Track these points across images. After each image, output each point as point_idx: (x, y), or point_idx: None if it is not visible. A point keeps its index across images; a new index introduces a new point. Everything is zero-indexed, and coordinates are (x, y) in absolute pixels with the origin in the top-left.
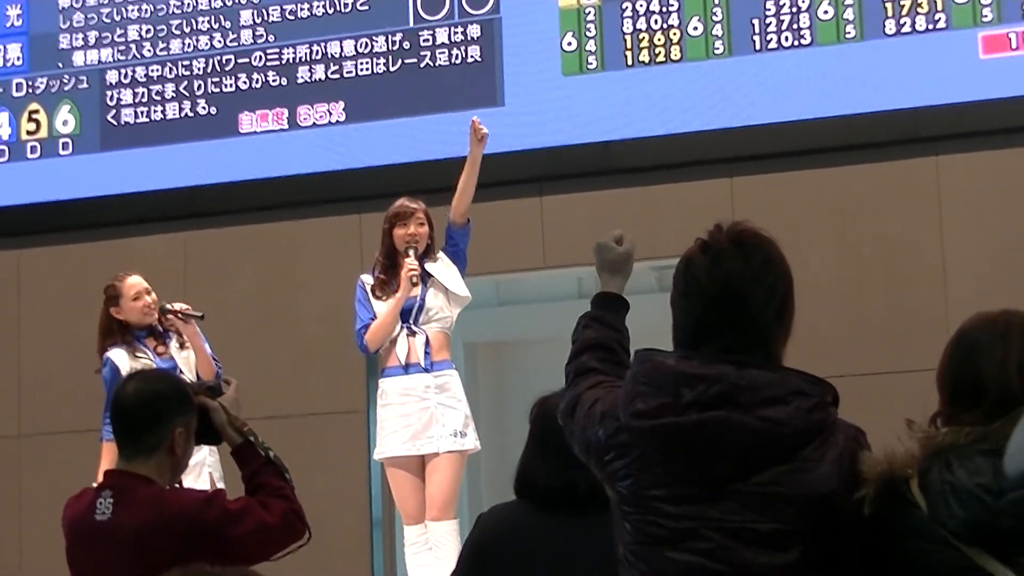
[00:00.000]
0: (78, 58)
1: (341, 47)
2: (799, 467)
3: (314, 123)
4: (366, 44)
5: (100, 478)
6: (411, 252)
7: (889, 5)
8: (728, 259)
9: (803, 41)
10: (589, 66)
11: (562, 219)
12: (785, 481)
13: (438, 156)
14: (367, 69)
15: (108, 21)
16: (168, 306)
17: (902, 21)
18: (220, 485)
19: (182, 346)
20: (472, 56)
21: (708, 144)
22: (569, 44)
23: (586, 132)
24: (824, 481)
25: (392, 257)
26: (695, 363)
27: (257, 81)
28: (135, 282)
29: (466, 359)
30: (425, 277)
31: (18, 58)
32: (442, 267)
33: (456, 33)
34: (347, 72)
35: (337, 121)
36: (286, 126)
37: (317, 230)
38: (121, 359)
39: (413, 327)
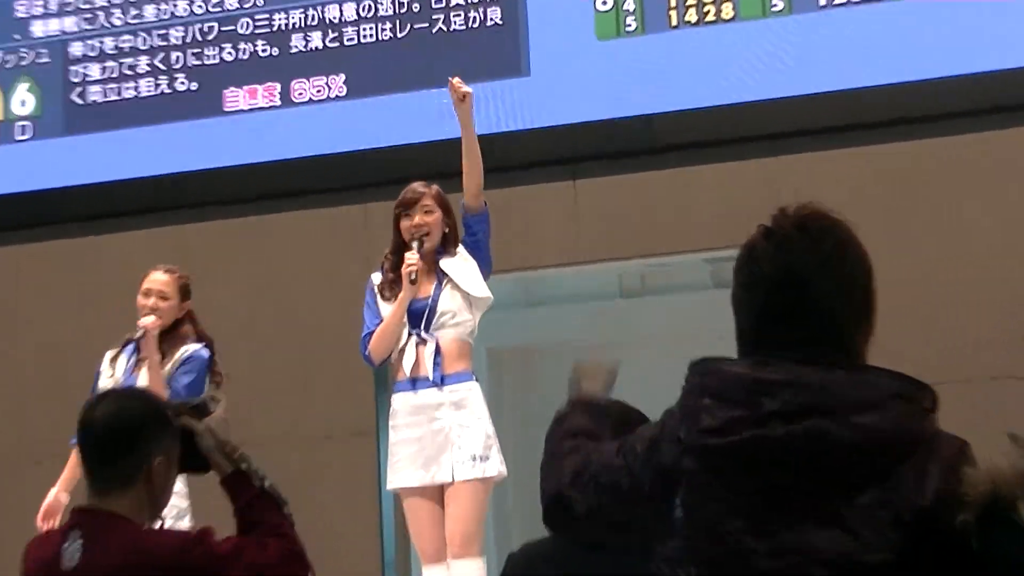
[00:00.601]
0: (37, 28)
1: (340, 11)
2: (899, 483)
3: (311, 99)
4: (369, 7)
5: (58, 486)
6: (414, 244)
7: None
8: (794, 245)
9: None
10: (627, 28)
11: (599, 206)
12: (886, 500)
13: (454, 135)
14: (371, 36)
15: None
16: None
17: None
18: (178, 524)
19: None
20: (492, 19)
21: (768, 116)
22: (604, 3)
23: (626, 105)
24: (927, 499)
25: (400, 252)
26: (772, 368)
27: (244, 52)
28: (149, 276)
29: (489, 368)
30: (441, 275)
31: None
32: (458, 263)
33: None
34: (348, 40)
35: (337, 96)
36: (278, 103)
37: (316, 223)
38: (104, 362)
39: (423, 334)
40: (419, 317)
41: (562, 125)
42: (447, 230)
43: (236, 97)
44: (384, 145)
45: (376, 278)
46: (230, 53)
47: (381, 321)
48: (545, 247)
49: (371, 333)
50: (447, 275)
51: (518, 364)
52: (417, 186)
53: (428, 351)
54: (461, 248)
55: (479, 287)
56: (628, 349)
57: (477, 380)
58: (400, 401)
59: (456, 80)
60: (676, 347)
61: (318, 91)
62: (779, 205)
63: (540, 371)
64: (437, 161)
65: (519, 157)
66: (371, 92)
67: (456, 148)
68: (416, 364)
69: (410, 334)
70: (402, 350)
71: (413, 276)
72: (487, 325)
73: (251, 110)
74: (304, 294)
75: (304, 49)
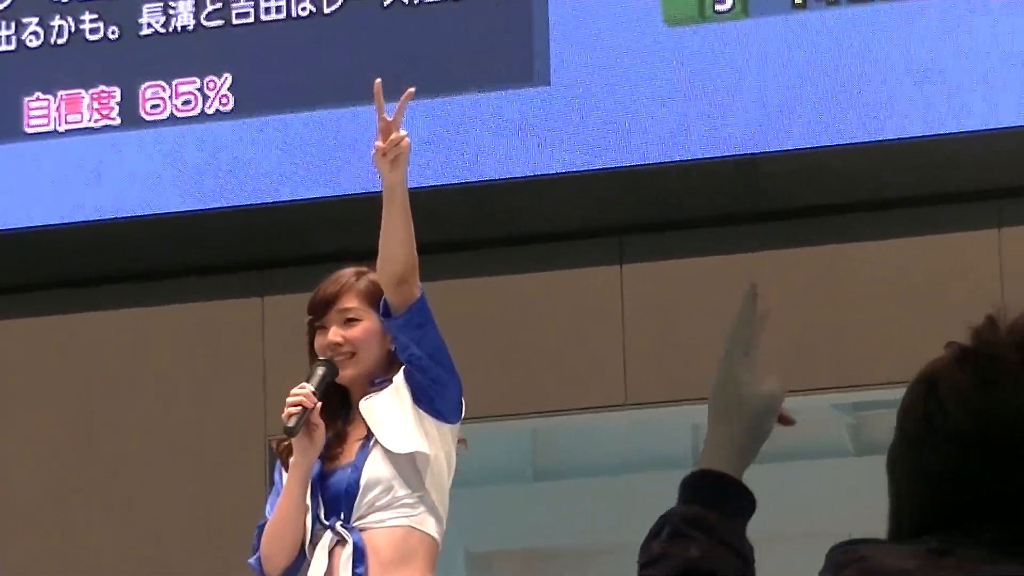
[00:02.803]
0: None
1: None
2: None
3: (172, 114)
4: None
5: None
6: (316, 370)
7: None
8: (1011, 376)
9: None
10: (719, 6)
11: (661, 306)
12: None
13: (422, 183)
14: (279, 9)
15: None
16: None
17: None
18: None
19: None
20: None
21: (958, 161)
22: None
23: (711, 137)
24: None
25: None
26: (956, 560)
27: (58, 33)
28: None
29: None
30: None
31: None
32: (383, 400)
33: None
34: (239, 14)
35: (218, 111)
36: (117, 121)
37: (184, 325)
38: None
39: (338, 527)
40: (338, 499)
41: (602, 170)
42: (393, 346)
43: (43, 111)
44: (300, 198)
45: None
46: (32, 37)
47: None
48: (569, 379)
49: (260, 530)
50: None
51: None
52: (328, 284)
53: (345, 556)
54: (400, 377)
55: (399, 436)
56: None
57: None
58: None
59: (393, 129)
60: (790, 548)
61: (186, 103)
62: (989, 310)
63: None
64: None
65: (523, 222)
66: (277, 107)
67: (423, 203)
68: None
69: (322, 527)
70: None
71: (293, 423)
72: (466, 515)
73: (71, 132)
74: (164, 442)
75: (162, 30)
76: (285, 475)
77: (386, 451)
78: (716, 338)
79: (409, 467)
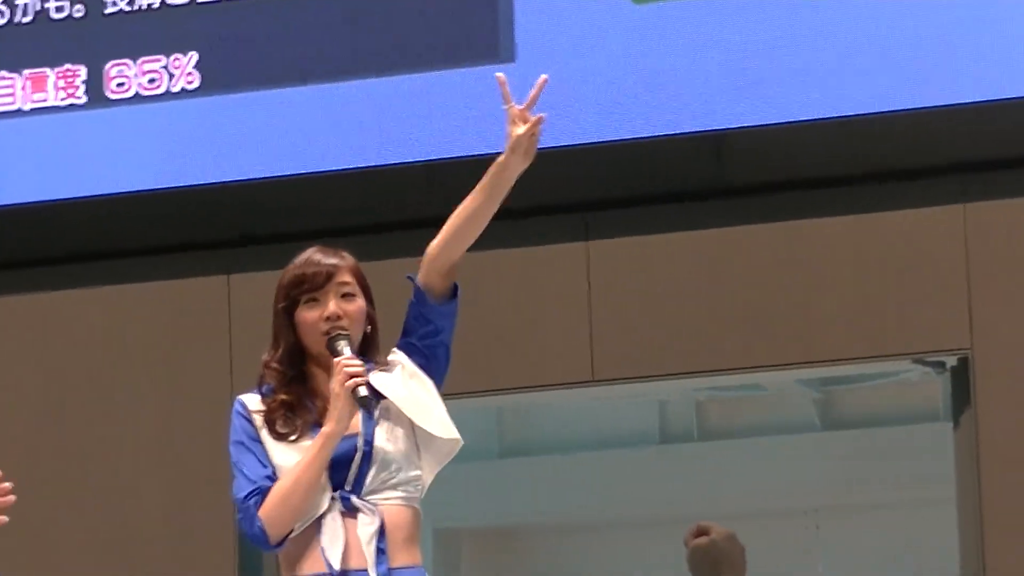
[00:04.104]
0: None
1: None
2: None
3: (138, 93)
4: None
5: None
6: (341, 344)
7: None
8: None
9: None
10: None
11: (627, 283)
12: None
13: (385, 160)
14: None
15: None
16: None
17: None
18: None
19: None
20: None
21: (923, 137)
22: None
23: (677, 114)
24: None
25: (297, 360)
26: None
27: (23, 11)
28: None
29: (437, 559)
30: (371, 400)
31: None
32: (402, 380)
33: None
34: None
35: (183, 90)
36: (82, 99)
37: (151, 303)
38: None
39: (355, 500)
40: (342, 469)
41: (569, 146)
42: (368, 328)
43: (9, 89)
44: (264, 176)
45: (251, 401)
46: None
47: (271, 470)
48: (535, 356)
49: (257, 490)
50: (384, 401)
51: (486, 554)
52: (323, 257)
53: (365, 529)
54: (399, 355)
55: (444, 423)
56: (669, 532)
57: None
58: None
59: (527, 115)
60: (759, 529)
61: (153, 81)
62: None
63: (524, 565)
64: (358, 208)
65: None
66: (242, 84)
67: (386, 185)
68: (347, 550)
69: (332, 500)
70: (316, 525)
71: (366, 392)
72: (432, 492)
73: (36, 111)
74: (127, 418)
75: (127, 8)
76: (269, 438)
77: (392, 426)
78: (682, 314)
79: (411, 445)
